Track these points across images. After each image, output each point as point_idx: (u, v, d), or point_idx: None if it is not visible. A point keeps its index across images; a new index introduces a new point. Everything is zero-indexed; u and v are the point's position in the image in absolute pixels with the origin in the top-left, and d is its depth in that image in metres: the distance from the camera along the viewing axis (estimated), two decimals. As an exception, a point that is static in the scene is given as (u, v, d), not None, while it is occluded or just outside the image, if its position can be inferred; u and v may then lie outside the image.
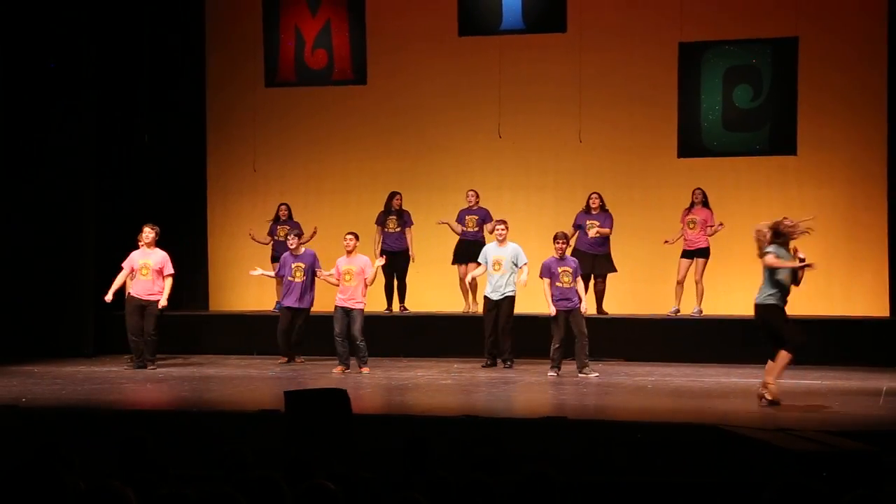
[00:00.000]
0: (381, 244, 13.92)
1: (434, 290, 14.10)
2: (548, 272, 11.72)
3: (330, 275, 12.22)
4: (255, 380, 11.57)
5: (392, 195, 14.12)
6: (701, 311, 13.54)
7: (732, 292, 13.76)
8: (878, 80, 13.74)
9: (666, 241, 13.57)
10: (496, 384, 10.98)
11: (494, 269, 12.20)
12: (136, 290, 12.20)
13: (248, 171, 15.40)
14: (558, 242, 11.84)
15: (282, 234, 14.07)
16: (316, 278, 12.56)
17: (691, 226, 13.47)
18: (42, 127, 13.53)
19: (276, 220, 14.45)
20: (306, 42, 14.23)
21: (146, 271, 12.14)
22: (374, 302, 13.67)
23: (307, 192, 15.33)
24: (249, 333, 13.96)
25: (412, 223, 14.07)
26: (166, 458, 5.50)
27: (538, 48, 14.53)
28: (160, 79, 14.95)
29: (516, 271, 12.16)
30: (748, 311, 13.51)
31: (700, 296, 13.54)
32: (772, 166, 14.19)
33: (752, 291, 14.00)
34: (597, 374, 11.47)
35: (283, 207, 14.45)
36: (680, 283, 13.48)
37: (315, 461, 4.93)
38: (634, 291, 14.25)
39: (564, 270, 11.68)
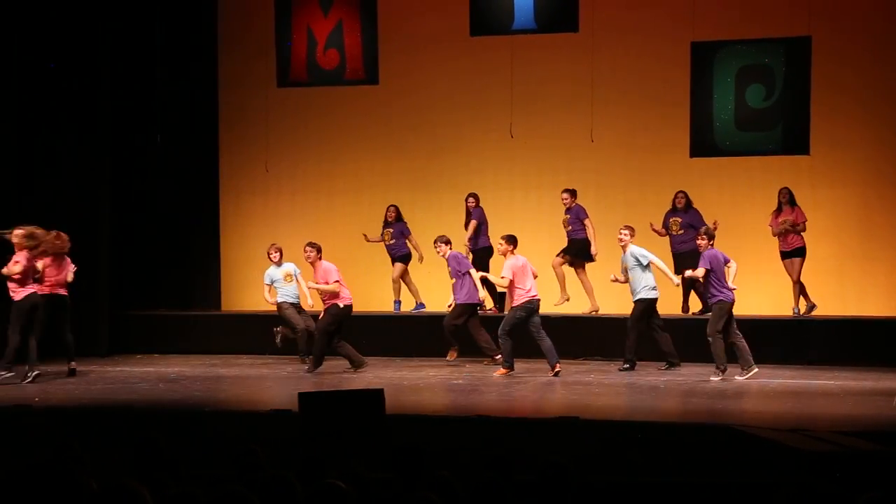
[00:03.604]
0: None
1: (446, 290, 14.06)
2: (718, 263, 11.30)
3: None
4: (268, 379, 11.59)
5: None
6: (804, 310, 13.36)
7: (744, 292, 13.68)
8: (892, 79, 13.69)
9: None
10: (508, 384, 10.97)
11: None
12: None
13: (261, 171, 15.42)
14: (703, 239, 11.50)
15: (387, 237, 14.08)
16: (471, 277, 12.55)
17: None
18: (55, 127, 13.56)
19: (385, 222, 14.23)
20: (318, 42, 14.24)
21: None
22: (380, 302, 13.66)
23: (319, 191, 15.34)
24: (262, 333, 13.95)
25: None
26: (179, 457, 5.50)
27: (550, 48, 14.52)
28: (172, 79, 14.99)
29: (645, 271, 11.93)
30: (760, 310, 13.56)
31: (797, 296, 13.37)
32: (784, 166, 14.14)
33: (763, 290, 14.10)
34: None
35: (391, 209, 14.21)
36: (796, 282, 13.34)
37: (329, 461, 4.93)
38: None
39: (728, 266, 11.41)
